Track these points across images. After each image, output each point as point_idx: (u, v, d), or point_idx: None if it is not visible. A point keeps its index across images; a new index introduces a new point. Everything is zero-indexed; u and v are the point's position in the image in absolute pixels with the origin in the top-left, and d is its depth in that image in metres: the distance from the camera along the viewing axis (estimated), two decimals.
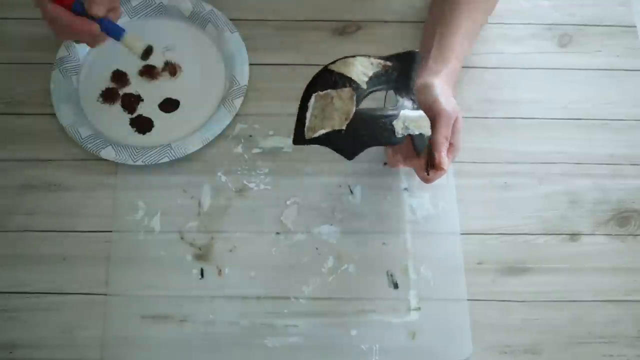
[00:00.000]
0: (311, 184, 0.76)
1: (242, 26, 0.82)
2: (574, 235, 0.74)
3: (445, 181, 0.76)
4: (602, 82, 0.82)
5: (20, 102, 0.79)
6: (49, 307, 0.70)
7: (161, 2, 0.83)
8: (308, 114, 0.62)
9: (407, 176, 0.76)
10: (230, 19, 0.82)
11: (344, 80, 0.62)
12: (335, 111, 0.61)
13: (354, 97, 0.62)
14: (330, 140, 0.61)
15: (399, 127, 0.62)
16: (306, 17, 0.85)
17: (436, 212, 0.75)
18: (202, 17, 0.82)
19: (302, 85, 0.66)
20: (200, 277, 0.72)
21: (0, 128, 0.78)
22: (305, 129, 0.62)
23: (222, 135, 0.77)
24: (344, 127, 0.61)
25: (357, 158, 0.76)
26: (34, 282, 0.71)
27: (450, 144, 0.67)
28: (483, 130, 0.79)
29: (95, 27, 0.64)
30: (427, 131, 0.65)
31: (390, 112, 0.63)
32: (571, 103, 0.81)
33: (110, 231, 0.73)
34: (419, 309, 0.71)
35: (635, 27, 0.86)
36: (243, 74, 0.79)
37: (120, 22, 0.82)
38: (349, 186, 0.76)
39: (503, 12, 0.85)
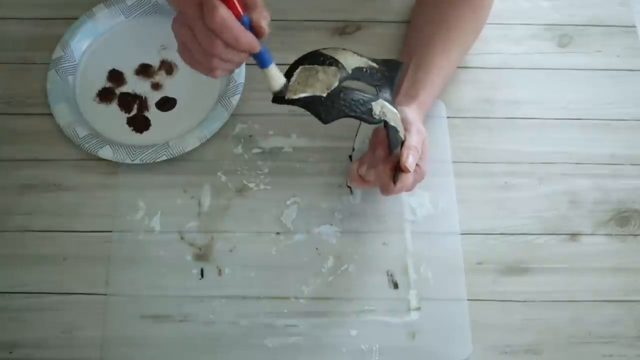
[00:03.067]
0: (311, 184, 0.76)
1: None
2: (574, 235, 0.74)
3: (445, 181, 0.76)
4: (602, 82, 0.82)
5: (19, 102, 0.79)
6: (49, 307, 0.70)
7: (156, 1, 0.83)
8: (292, 80, 0.63)
9: None
10: None
11: (332, 61, 0.64)
12: (318, 81, 0.63)
13: (338, 76, 0.63)
14: (309, 104, 0.62)
15: (377, 109, 0.64)
16: (306, 17, 0.85)
17: (436, 212, 0.75)
18: None
19: None
20: (200, 277, 0.72)
21: None
22: (287, 91, 0.62)
23: (222, 135, 0.77)
24: (324, 94, 0.62)
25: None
26: (34, 282, 0.71)
27: (417, 166, 0.67)
28: (483, 130, 0.79)
29: (257, 44, 0.57)
30: (402, 132, 0.66)
31: (371, 95, 0.65)
32: (571, 103, 0.81)
33: (110, 231, 0.73)
34: (419, 309, 0.71)
35: (635, 27, 0.86)
36: (240, 72, 0.79)
37: (115, 22, 0.83)
38: (349, 186, 0.76)
39: (503, 12, 0.86)
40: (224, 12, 0.54)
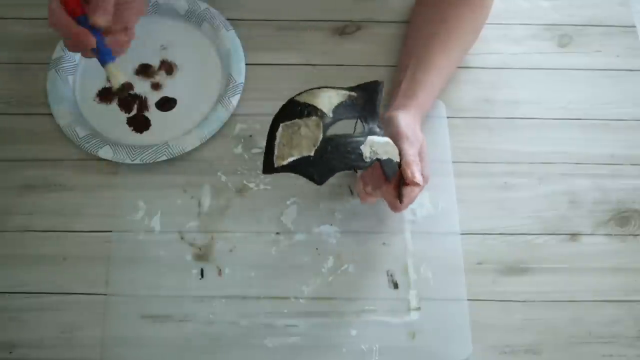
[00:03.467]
0: (311, 184, 0.76)
1: (242, 26, 0.82)
2: (574, 235, 0.74)
3: (445, 181, 0.76)
4: (602, 82, 0.83)
5: (19, 102, 0.79)
6: (49, 307, 0.70)
7: (156, 1, 0.83)
8: (276, 143, 0.63)
9: None
10: (231, 19, 0.82)
11: (310, 110, 0.64)
12: (302, 138, 0.62)
13: (321, 125, 0.63)
14: (299, 167, 0.62)
15: (366, 152, 0.63)
16: (306, 17, 0.85)
17: (436, 212, 0.75)
18: (198, 15, 0.82)
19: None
20: (200, 277, 0.72)
21: None
22: (274, 157, 0.62)
23: (222, 135, 0.77)
24: (312, 153, 0.62)
25: None
26: (34, 282, 0.71)
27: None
28: (483, 130, 0.79)
29: (93, 41, 0.63)
30: (395, 157, 0.66)
31: (357, 138, 0.64)
32: (571, 103, 0.81)
33: (110, 231, 0.73)
34: (419, 309, 0.71)
35: (635, 27, 0.86)
36: (240, 72, 0.79)
37: None
38: (349, 186, 0.76)
39: (502, 12, 0.86)
40: (58, 12, 0.63)
